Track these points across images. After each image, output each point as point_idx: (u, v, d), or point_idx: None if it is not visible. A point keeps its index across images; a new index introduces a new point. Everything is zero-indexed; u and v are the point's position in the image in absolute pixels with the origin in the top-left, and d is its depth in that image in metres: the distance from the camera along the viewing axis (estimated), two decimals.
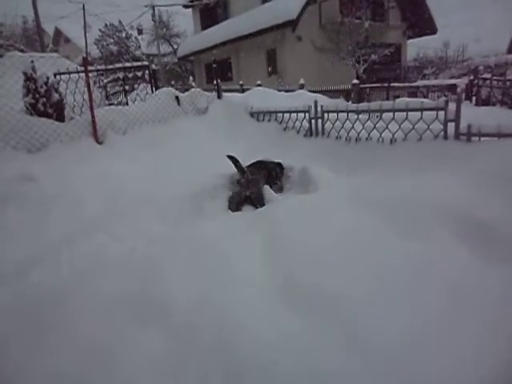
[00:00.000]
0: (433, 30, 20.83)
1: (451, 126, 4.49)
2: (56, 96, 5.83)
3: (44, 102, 5.65)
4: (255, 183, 3.99)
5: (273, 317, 1.89)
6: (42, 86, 5.61)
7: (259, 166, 4.44)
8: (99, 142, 5.66)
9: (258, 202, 3.76)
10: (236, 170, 4.17)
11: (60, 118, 5.83)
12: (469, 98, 11.46)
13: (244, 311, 1.93)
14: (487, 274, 2.08)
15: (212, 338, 1.81)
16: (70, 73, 6.55)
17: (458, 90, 4.68)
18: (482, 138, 4.23)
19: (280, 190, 4.52)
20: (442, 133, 4.55)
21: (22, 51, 11.63)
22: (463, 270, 2.12)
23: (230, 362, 1.70)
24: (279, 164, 4.67)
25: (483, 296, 1.93)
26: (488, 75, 11.95)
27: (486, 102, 11.21)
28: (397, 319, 1.79)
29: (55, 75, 6.39)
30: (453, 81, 13.29)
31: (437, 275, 2.07)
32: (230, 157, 4.17)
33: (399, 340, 1.69)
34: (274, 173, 4.55)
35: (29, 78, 5.57)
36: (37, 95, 5.60)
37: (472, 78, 11.95)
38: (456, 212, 2.63)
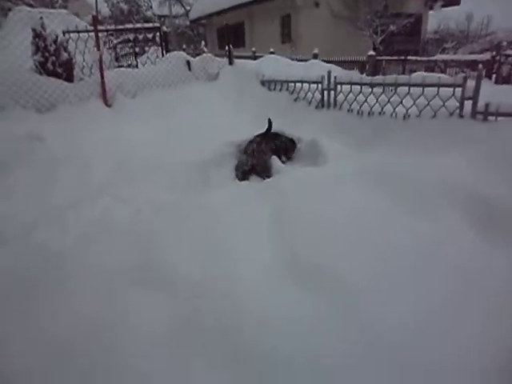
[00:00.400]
0: (456, 1, 19.85)
1: (468, 104, 4.36)
2: (65, 55, 5.74)
3: (53, 61, 5.56)
4: (261, 154, 3.95)
5: (277, 296, 1.89)
6: (51, 45, 5.51)
7: (269, 136, 4.37)
8: (108, 105, 5.62)
9: (263, 172, 3.75)
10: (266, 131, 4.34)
11: (69, 78, 5.76)
12: (488, 76, 11.06)
13: (248, 287, 1.93)
14: (494, 256, 2.06)
15: (215, 315, 1.81)
16: (79, 31, 6.41)
17: (480, 66, 4.50)
18: (499, 118, 4.12)
19: (289, 160, 4.46)
20: (458, 110, 4.43)
21: (30, 6, 11.34)
22: (470, 252, 2.11)
23: (233, 338, 1.71)
24: (292, 140, 4.56)
25: (489, 280, 1.91)
26: (511, 51, 11.47)
27: (506, 80, 10.81)
28: (402, 305, 1.77)
29: (64, 33, 6.25)
30: (473, 56, 12.80)
31: (444, 257, 2.05)
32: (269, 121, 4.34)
33: (403, 327, 1.68)
34: (284, 147, 4.46)
35: (38, 35, 5.46)
36: (46, 54, 5.50)
37: (494, 53, 11.49)
38: (467, 192, 2.59)
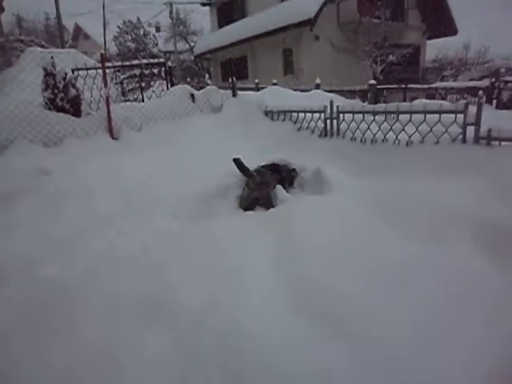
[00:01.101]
0: (453, 31, 20.43)
1: (470, 130, 4.38)
2: (73, 91, 5.91)
3: (62, 97, 5.72)
4: (264, 186, 3.87)
5: (280, 322, 1.88)
6: (60, 82, 5.69)
7: (272, 168, 4.32)
8: (114, 138, 5.71)
9: (266, 205, 3.68)
10: (243, 174, 4.01)
11: (77, 113, 5.91)
12: (489, 101, 11.19)
13: (252, 315, 1.92)
14: (501, 283, 2.02)
15: (218, 342, 1.80)
16: (87, 69, 6.63)
17: (480, 92, 4.55)
18: (503, 143, 4.11)
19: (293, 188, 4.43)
20: (461, 136, 4.45)
21: (42, 47, 11.80)
22: (478, 280, 2.06)
23: (234, 367, 1.69)
24: (294, 170, 4.53)
25: (495, 307, 1.88)
26: (510, 78, 11.65)
27: (507, 106, 10.93)
28: (414, 343, 1.73)
29: (73, 71, 6.47)
30: (472, 83, 13.00)
31: (450, 283, 2.02)
32: (236, 160, 3.97)
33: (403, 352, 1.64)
34: (288, 177, 4.42)
35: (48, 74, 5.65)
36: (55, 90, 5.67)
37: (493, 80, 11.67)
38: (472, 218, 2.56)
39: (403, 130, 4.87)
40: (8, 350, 1.87)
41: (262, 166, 4.31)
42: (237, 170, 4.40)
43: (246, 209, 3.73)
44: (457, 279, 2.04)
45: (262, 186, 3.86)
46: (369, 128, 5.28)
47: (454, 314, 1.82)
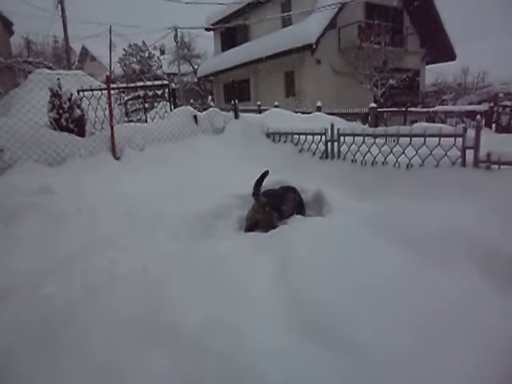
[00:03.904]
0: (452, 57, 20.91)
1: (470, 153, 4.42)
2: (78, 112, 6.02)
3: (67, 118, 5.83)
4: (267, 211, 3.79)
5: (278, 339, 1.89)
6: (65, 102, 5.80)
7: (279, 193, 4.17)
8: (117, 158, 5.78)
9: (267, 228, 3.60)
10: (253, 190, 3.85)
11: (81, 133, 6.00)
12: (488, 125, 11.33)
13: (253, 337, 1.90)
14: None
15: (220, 364, 1.78)
16: (92, 90, 6.76)
17: (478, 117, 4.62)
18: (502, 167, 4.14)
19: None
20: (460, 160, 4.49)
21: (50, 68, 12.07)
22: (471, 297, 2.07)
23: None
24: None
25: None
26: (508, 102, 11.83)
27: (506, 130, 11.05)
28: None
29: (79, 92, 6.61)
30: (472, 107, 13.19)
31: (446, 302, 2.01)
32: (262, 176, 3.91)
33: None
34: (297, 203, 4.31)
35: (55, 94, 5.78)
36: (61, 111, 5.78)
37: (492, 104, 11.85)
38: (473, 241, 2.56)
39: (403, 153, 4.92)
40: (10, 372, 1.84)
41: (268, 190, 4.17)
42: (238, 191, 4.38)
43: (249, 229, 3.71)
44: (450, 295, 2.07)
45: (265, 208, 3.78)
46: (369, 151, 5.33)
47: (446, 329, 1.84)
